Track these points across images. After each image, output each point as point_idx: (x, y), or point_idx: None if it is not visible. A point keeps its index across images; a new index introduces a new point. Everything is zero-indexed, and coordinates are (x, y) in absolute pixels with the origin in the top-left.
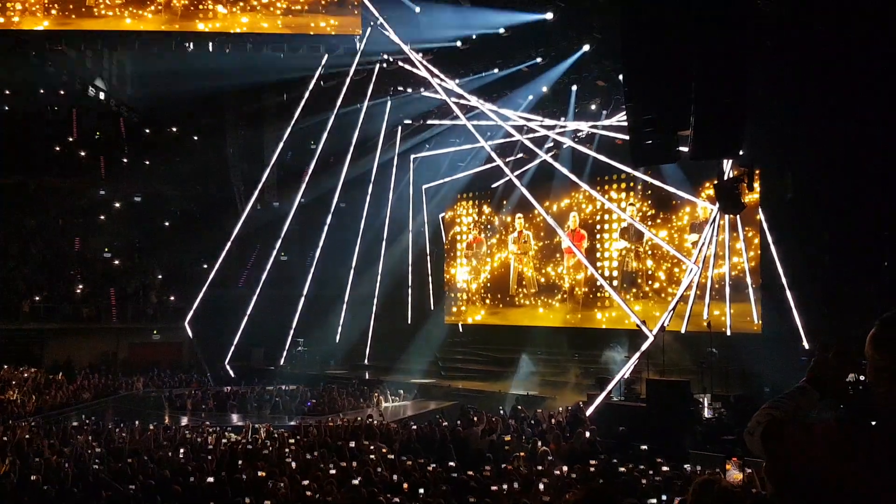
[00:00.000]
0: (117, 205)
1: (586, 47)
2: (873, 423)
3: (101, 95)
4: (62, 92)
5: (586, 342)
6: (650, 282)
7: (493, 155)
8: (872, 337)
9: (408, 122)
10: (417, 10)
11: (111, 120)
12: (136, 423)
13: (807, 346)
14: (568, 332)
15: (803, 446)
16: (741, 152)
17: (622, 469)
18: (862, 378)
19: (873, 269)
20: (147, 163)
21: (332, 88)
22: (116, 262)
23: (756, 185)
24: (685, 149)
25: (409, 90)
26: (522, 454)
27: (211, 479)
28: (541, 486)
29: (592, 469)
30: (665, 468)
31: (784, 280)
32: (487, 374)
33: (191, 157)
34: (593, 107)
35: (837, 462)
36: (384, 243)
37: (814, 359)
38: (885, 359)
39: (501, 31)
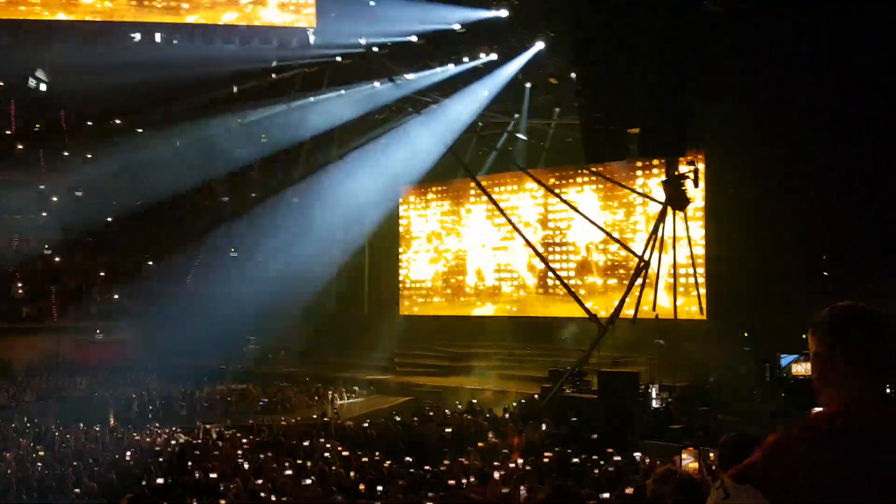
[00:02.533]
0: (56, 199)
1: (540, 45)
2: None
3: (42, 87)
4: (0, 83)
5: (541, 333)
6: (602, 272)
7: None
8: (812, 324)
9: (363, 116)
10: (372, 2)
11: (52, 112)
12: (81, 425)
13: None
14: (523, 323)
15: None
16: (687, 149)
17: (576, 460)
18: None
19: (813, 263)
20: (89, 156)
21: (285, 81)
22: (57, 258)
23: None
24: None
25: (365, 84)
26: (481, 444)
27: (160, 481)
28: (496, 476)
29: (547, 461)
30: (617, 458)
31: (727, 271)
32: (443, 369)
33: (136, 151)
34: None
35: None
36: (340, 238)
37: None
38: (817, 344)
39: (457, 27)
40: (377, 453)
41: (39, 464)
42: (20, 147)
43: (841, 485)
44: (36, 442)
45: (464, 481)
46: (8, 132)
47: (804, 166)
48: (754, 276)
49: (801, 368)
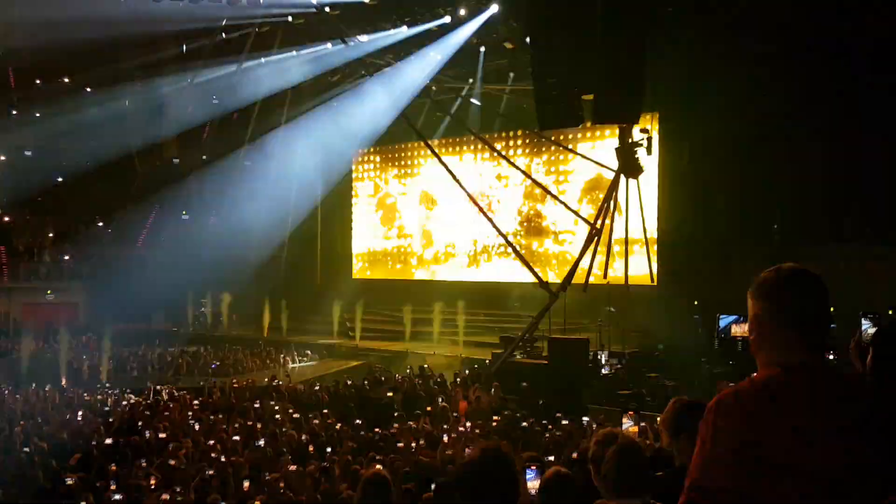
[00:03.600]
0: (5, 158)
1: (495, 8)
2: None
3: None
4: None
5: (492, 299)
6: (554, 239)
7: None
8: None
9: (316, 77)
10: None
11: None
12: (33, 385)
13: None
14: (474, 288)
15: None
16: (640, 117)
17: (524, 424)
18: None
19: (764, 232)
20: (38, 115)
21: (236, 41)
22: (6, 218)
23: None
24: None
25: (317, 45)
26: (430, 408)
27: (110, 441)
28: (445, 440)
29: (495, 424)
30: (565, 422)
31: (678, 239)
32: (395, 333)
33: (85, 110)
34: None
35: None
36: (293, 201)
37: None
38: (754, 306)
39: None
40: (328, 415)
41: None
42: None
43: (772, 450)
44: None
45: (413, 444)
46: None
47: (755, 136)
48: (705, 244)
49: (740, 329)
